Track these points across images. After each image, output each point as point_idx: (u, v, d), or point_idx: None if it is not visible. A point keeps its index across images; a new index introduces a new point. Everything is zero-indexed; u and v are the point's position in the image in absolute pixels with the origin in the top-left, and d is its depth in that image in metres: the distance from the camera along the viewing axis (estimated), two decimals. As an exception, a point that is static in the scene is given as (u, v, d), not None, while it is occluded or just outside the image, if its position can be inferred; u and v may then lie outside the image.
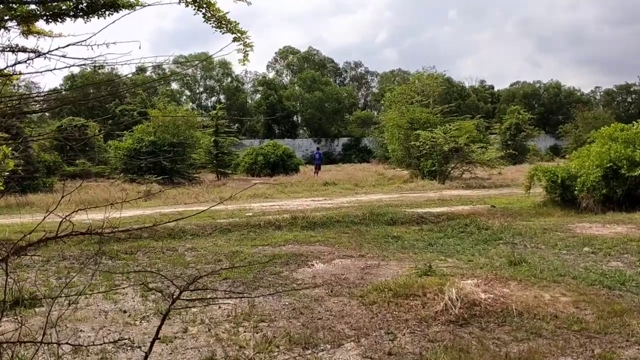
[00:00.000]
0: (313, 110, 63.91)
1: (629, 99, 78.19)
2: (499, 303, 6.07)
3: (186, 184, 27.13)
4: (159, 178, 26.16)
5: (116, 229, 3.08)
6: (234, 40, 5.44)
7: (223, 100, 65.39)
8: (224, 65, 70.17)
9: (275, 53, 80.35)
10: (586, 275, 7.74)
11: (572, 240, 10.74)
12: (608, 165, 14.39)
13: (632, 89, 78.17)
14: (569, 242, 10.53)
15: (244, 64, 4.35)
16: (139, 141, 28.35)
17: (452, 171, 26.72)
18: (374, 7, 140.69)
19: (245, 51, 5.66)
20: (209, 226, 13.09)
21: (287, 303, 6.90)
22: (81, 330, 6.18)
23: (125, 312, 6.83)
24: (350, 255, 9.76)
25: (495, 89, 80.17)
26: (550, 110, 71.70)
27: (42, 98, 3.35)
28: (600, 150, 14.91)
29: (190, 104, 69.38)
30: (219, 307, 6.91)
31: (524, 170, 33.97)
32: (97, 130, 28.74)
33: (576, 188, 14.99)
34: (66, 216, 2.83)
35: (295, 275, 8.38)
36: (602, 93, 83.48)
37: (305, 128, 69.38)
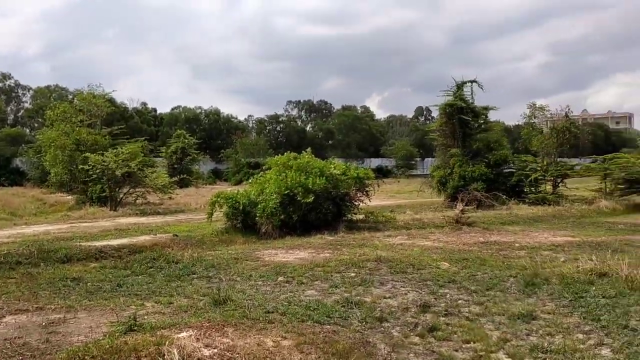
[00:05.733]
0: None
1: (278, 128, 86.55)
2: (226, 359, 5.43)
3: None
4: None
5: None
6: None
7: None
8: None
9: None
10: (292, 310, 7.65)
11: (265, 269, 10.79)
12: (285, 192, 15.17)
13: (280, 119, 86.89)
14: (263, 272, 10.54)
15: None
16: None
17: (124, 197, 25.22)
18: (24, 17, 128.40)
19: None
20: None
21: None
22: None
23: None
24: (24, 310, 7.94)
25: (158, 112, 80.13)
26: (210, 135, 74.54)
27: None
28: (278, 178, 15.66)
29: None
30: None
31: (193, 195, 34.53)
32: None
33: (257, 214, 15.41)
34: None
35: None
36: (254, 121, 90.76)
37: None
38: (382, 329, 6.96)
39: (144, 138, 33.24)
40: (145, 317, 7.26)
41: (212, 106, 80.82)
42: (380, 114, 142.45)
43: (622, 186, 27.10)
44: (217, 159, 66.51)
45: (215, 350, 5.58)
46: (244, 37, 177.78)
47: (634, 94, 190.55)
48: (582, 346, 6.21)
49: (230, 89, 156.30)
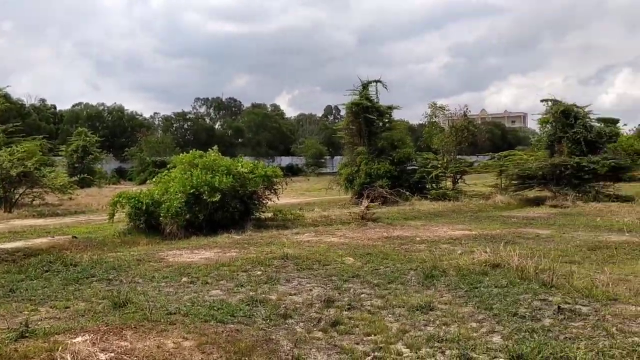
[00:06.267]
0: None
1: (185, 126, 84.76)
2: (124, 362, 5.29)
3: None
4: None
5: None
6: None
7: None
8: None
9: None
10: (195, 310, 7.55)
11: (168, 270, 10.57)
12: (191, 191, 14.93)
13: (187, 117, 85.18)
14: (166, 273, 10.32)
15: None
16: None
17: (20, 198, 23.91)
18: None
19: None
20: None
21: None
22: None
23: None
24: None
25: (58, 109, 76.54)
26: (114, 133, 71.99)
27: None
28: (183, 177, 15.38)
29: None
30: None
31: (95, 195, 33.21)
32: None
33: (161, 214, 15.07)
34: None
35: None
36: (160, 118, 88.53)
37: None
38: (286, 325, 7.01)
39: (42, 136, 31.77)
40: (39, 322, 6.92)
41: (115, 103, 78.18)
42: (291, 112, 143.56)
43: (516, 182, 28.73)
44: (122, 157, 64.40)
45: (113, 354, 5.42)
46: (149, 33, 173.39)
47: (528, 95, 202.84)
48: (475, 334, 6.52)
49: (136, 85, 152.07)
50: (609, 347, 5.92)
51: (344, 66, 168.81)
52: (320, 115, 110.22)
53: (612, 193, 26.64)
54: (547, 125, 29.90)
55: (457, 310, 7.51)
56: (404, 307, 7.70)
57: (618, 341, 6.10)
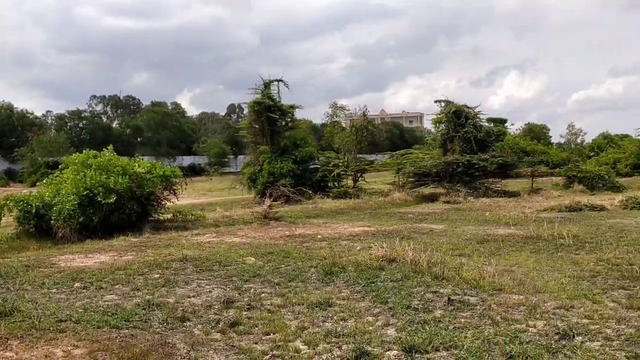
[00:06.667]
0: None
1: (81, 124, 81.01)
2: (7, 375, 5.01)
3: None
4: None
5: None
6: None
7: None
8: None
9: None
10: (88, 316, 7.26)
11: (60, 276, 10.07)
12: (84, 192, 14.34)
13: (82, 115, 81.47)
14: (57, 279, 9.83)
15: None
16: None
17: None
18: None
19: None
20: None
21: None
22: None
23: None
24: None
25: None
26: (2, 132, 67.86)
27: None
28: (76, 178, 14.74)
29: None
30: None
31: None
32: None
33: (52, 217, 14.36)
34: None
35: None
36: (54, 117, 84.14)
37: None
38: (183, 328, 6.89)
39: None
40: None
41: (4, 101, 73.61)
42: (192, 111, 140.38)
43: (412, 179, 29.83)
44: (11, 158, 60.82)
45: (-5, 368, 5.12)
46: (41, 27, 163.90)
47: (424, 96, 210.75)
48: (371, 328, 6.70)
49: (27, 82, 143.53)
50: (493, 334, 6.28)
51: (246, 65, 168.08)
52: (223, 114, 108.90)
53: (500, 189, 28.34)
54: (441, 125, 31.30)
55: (355, 305, 7.69)
56: (303, 305, 7.79)
57: (502, 329, 6.48)
